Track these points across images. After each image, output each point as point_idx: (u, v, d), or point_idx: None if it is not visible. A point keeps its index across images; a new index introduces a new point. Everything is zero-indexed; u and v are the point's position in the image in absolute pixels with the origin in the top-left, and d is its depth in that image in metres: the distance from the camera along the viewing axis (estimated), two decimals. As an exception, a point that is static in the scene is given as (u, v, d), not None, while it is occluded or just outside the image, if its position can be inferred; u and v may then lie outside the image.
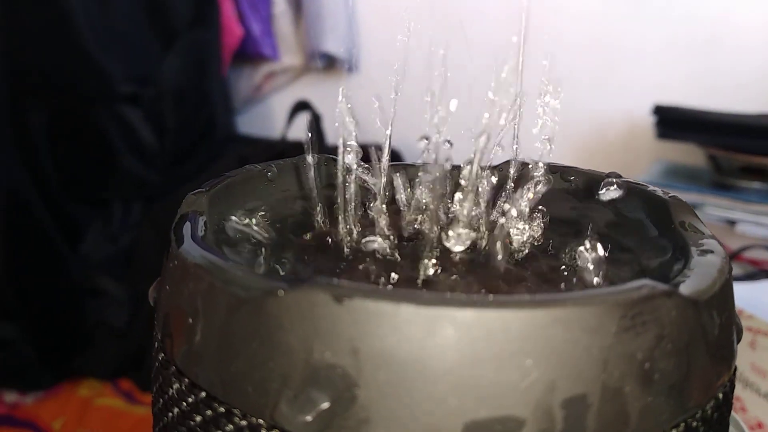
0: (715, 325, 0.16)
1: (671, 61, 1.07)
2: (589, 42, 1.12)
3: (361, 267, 0.18)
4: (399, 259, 0.18)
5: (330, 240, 0.20)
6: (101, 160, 1.07)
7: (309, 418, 0.14)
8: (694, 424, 0.16)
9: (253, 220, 0.21)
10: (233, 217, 0.21)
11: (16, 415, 0.96)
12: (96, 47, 1.02)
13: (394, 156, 1.13)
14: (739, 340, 0.19)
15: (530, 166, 0.25)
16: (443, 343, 0.13)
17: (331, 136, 1.20)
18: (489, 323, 0.13)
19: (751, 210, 0.80)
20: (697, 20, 1.04)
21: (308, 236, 0.21)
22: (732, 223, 0.80)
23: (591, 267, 0.16)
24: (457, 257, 0.18)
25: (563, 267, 0.18)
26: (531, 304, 0.13)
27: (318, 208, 0.21)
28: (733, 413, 0.35)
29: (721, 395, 0.17)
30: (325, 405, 0.14)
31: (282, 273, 0.18)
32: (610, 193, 0.22)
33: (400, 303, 0.13)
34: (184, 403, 0.16)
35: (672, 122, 0.89)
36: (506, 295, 0.13)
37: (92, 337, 0.98)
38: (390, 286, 0.17)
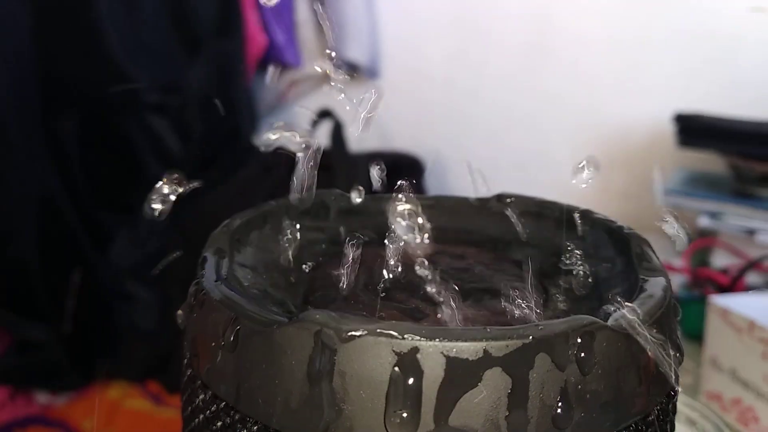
0: (647, 352, 0.19)
1: (693, 68, 1.07)
2: (611, 49, 1.13)
3: (355, 300, 0.21)
4: (385, 294, 0.22)
5: (333, 274, 0.24)
6: (129, 168, 1.11)
7: (307, 425, 0.17)
8: (628, 435, 0.19)
9: (268, 254, 0.25)
10: (252, 251, 0.24)
11: (48, 415, 1.00)
12: (124, 56, 1.05)
13: (416, 163, 1.14)
14: (680, 363, 0.22)
15: (511, 199, 0.29)
16: (411, 367, 0.17)
17: (353, 143, 1.24)
18: (448, 352, 0.17)
19: (771, 219, 0.81)
20: (720, 27, 1.05)
21: (315, 270, 0.24)
22: (751, 232, 0.82)
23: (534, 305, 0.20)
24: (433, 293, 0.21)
25: (520, 297, 0.21)
26: (482, 336, 0.17)
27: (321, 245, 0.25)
28: (720, 423, 0.37)
29: (656, 411, 0.20)
30: (319, 415, 0.17)
31: (288, 306, 0.22)
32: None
33: (376, 335, 0.17)
34: (208, 411, 0.20)
35: (693, 130, 0.90)
36: (463, 329, 0.17)
37: (121, 340, 1.02)
38: (374, 319, 0.20)
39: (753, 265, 0.73)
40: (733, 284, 0.68)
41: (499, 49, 1.22)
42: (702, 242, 0.85)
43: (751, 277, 0.74)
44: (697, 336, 0.55)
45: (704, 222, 0.84)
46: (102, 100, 1.07)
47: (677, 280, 0.71)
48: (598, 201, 0.33)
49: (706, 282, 0.71)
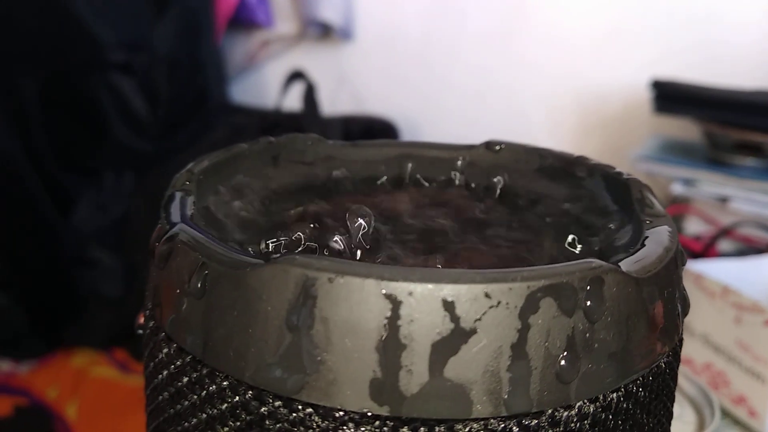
0: (657, 300, 0.18)
1: (669, 34, 1.07)
2: (588, 15, 1.12)
3: (336, 242, 0.19)
4: (370, 247, 0.20)
5: (310, 216, 0.22)
6: (93, 130, 1.07)
7: (284, 378, 0.15)
8: (634, 389, 0.17)
9: (238, 198, 0.22)
10: (220, 195, 0.22)
11: (11, 383, 0.97)
12: (87, 13, 1.01)
13: (389, 127, 1.12)
14: (685, 314, 0.20)
15: (501, 147, 0.27)
16: (403, 313, 0.15)
17: (326, 105, 1.21)
18: (442, 296, 0.15)
19: (744, 186, 0.81)
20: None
21: (291, 213, 0.22)
22: (725, 199, 0.81)
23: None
24: (423, 232, 0.20)
25: (522, 241, 0.20)
26: (481, 278, 0.15)
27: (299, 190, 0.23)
28: (708, 390, 0.36)
29: (663, 363, 0.19)
30: (298, 367, 0.15)
31: (262, 248, 0.19)
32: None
33: (364, 277, 0.15)
34: (173, 366, 0.18)
35: (669, 97, 0.89)
36: (458, 270, 0.15)
37: (85, 307, 0.99)
38: (358, 262, 0.18)
39: (726, 232, 0.73)
40: (705, 251, 0.68)
41: (477, 12, 1.20)
42: (675, 209, 0.85)
43: (724, 244, 0.74)
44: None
45: (678, 189, 0.84)
46: (65, 59, 1.03)
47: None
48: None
49: (679, 248, 0.71)
